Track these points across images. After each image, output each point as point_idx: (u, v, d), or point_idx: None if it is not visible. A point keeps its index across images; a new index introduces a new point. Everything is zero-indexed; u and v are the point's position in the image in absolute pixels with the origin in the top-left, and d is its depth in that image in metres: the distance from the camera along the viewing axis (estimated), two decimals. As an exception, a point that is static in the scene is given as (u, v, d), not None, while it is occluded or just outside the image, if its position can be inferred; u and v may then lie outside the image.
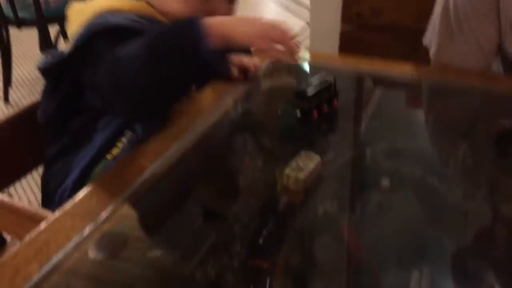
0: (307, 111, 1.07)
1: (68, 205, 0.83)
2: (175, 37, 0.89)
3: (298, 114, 1.08)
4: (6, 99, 3.35)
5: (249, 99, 1.28)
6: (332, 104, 1.12)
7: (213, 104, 1.17)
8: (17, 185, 2.33)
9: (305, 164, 0.89)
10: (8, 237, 1.16)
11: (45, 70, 1.07)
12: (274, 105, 1.26)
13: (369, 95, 1.35)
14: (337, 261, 0.81)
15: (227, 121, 1.17)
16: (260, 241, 0.79)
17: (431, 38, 1.46)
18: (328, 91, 1.10)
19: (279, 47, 0.93)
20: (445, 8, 1.37)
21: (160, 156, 0.92)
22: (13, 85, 3.47)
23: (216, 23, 0.89)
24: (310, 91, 1.06)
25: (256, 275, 0.74)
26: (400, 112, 1.29)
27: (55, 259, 0.73)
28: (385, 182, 0.93)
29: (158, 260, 0.78)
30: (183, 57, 0.88)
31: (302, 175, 0.87)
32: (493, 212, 0.92)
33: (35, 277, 0.70)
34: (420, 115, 1.33)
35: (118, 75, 0.88)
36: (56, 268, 0.72)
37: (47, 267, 0.71)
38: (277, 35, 0.92)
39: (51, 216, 0.80)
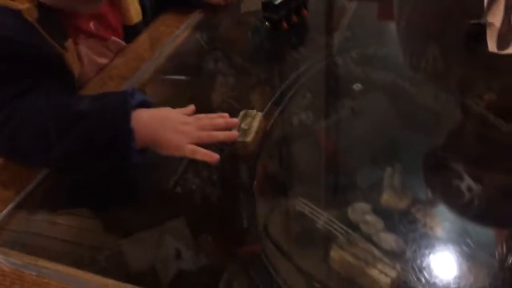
0: (276, 22, 1.06)
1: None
2: (99, 135, 0.75)
3: (268, 26, 1.06)
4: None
5: (220, 24, 1.25)
6: (301, 13, 1.10)
7: (181, 26, 1.14)
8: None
9: (248, 125, 0.83)
10: None
11: None
12: (246, 27, 1.23)
13: (339, 5, 1.33)
14: (315, 165, 0.84)
15: (196, 44, 1.15)
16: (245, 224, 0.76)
17: None
18: (296, 1, 1.07)
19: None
20: None
21: (126, 80, 0.91)
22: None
23: (143, 128, 0.75)
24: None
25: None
26: (370, 20, 1.28)
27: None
28: (357, 87, 0.94)
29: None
30: (104, 156, 0.76)
31: (249, 138, 0.82)
32: (463, 110, 0.95)
33: None
34: (391, 23, 1.32)
35: (18, 144, 0.78)
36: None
37: None
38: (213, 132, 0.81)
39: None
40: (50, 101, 0.79)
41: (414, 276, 0.67)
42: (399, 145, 0.85)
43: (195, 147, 0.77)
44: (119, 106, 0.75)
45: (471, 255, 0.69)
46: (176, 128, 0.78)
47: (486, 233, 0.73)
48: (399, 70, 1.04)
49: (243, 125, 0.82)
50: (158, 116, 0.80)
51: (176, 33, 1.08)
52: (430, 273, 0.67)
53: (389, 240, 0.71)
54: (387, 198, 0.77)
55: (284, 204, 0.79)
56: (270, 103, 0.95)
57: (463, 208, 0.75)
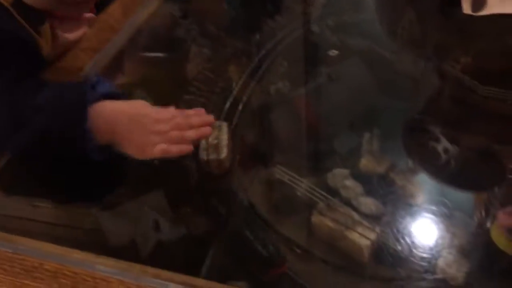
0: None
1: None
2: (58, 129, 0.69)
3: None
4: None
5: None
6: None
7: None
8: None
9: (218, 139, 0.76)
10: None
11: None
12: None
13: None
14: (293, 133, 0.83)
15: (168, 14, 1.12)
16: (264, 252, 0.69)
17: None
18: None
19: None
20: None
21: (97, 52, 0.88)
22: None
23: (105, 124, 0.68)
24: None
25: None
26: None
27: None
28: (333, 53, 0.93)
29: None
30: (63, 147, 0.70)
31: (223, 154, 0.75)
32: (439, 74, 0.95)
33: None
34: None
35: None
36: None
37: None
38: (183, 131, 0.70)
39: None
40: (11, 90, 0.75)
41: (393, 237, 0.67)
42: (376, 111, 0.85)
43: (166, 147, 0.68)
44: (76, 103, 0.68)
45: (448, 216, 0.70)
46: (147, 127, 0.68)
47: (463, 194, 0.75)
48: (375, 37, 1.03)
49: (211, 139, 0.74)
50: (125, 111, 0.70)
51: (146, 2, 1.04)
52: (408, 234, 0.68)
53: (368, 203, 0.72)
54: (365, 163, 0.78)
55: (264, 173, 0.79)
56: (246, 73, 0.93)
57: (440, 170, 0.76)
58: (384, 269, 0.66)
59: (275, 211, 0.75)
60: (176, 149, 0.68)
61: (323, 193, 0.73)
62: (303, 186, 0.75)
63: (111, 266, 0.52)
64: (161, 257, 0.58)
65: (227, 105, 0.89)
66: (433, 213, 0.71)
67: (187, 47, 1.00)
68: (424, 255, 0.65)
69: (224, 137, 0.75)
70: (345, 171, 0.76)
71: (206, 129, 0.71)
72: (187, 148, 0.69)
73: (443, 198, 0.73)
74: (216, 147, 0.74)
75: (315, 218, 0.70)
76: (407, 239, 0.68)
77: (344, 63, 0.95)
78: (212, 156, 0.74)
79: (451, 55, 0.98)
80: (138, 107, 0.71)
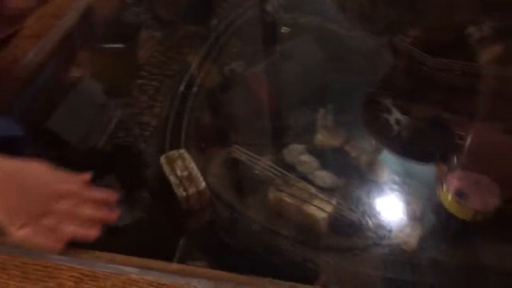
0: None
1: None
2: None
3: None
4: None
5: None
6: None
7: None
8: None
9: (187, 169, 0.69)
10: None
11: None
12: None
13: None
14: (249, 112, 0.83)
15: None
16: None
17: None
18: None
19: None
20: None
21: (40, 39, 0.84)
22: None
23: None
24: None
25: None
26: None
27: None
28: (285, 30, 0.93)
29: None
30: None
31: (203, 184, 0.69)
32: (390, 47, 0.97)
33: None
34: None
35: None
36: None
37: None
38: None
39: None
40: None
41: (349, 209, 0.69)
42: (330, 86, 0.86)
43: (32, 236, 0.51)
44: None
45: (401, 184, 0.72)
46: (37, 197, 0.53)
47: (415, 162, 0.77)
48: (327, 14, 1.03)
49: (180, 172, 0.68)
50: (12, 172, 0.53)
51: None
52: (363, 204, 0.70)
53: (324, 177, 0.73)
54: (321, 137, 0.79)
55: (221, 153, 0.79)
56: (200, 55, 0.92)
57: (393, 140, 0.78)
58: (341, 239, 0.67)
59: (234, 190, 0.75)
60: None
61: (280, 169, 0.73)
62: (260, 164, 0.75)
63: (63, 254, 0.51)
64: (117, 241, 0.57)
65: (181, 87, 0.88)
66: (387, 182, 0.73)
67: (138, 32, 0.98)
68: (379, 223, 0.67)
69: (192, 165, 0.70)
70: (301, 147, 0.76)
71: (114, 214, 0.56)
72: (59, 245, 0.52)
73: (396, 167, 0.75)
74: (191, 178, 0.68)
75: (272, 194, 0.70)
76: (363, 209, 0.69)
77: (297, 40, 0.95)
78: (192, 190, 0.67)
79: (401, 30, 1.00)
80: (33, 171, 0.54)
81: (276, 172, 0.73)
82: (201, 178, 0.69)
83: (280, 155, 0.76)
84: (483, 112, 0.77)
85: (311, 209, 0.67)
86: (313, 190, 0.70)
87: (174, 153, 0.72)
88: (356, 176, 0.74)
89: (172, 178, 0.68)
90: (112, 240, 0.56)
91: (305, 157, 0.75)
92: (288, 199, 0.69)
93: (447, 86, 0.86)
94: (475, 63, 0.88)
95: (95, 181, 0.57)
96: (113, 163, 0.74)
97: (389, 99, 0.83)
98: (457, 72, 0.87)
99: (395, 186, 0.72)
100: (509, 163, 0.69)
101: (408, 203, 0.69)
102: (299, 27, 0.98)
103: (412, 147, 0.76)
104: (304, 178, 0.72)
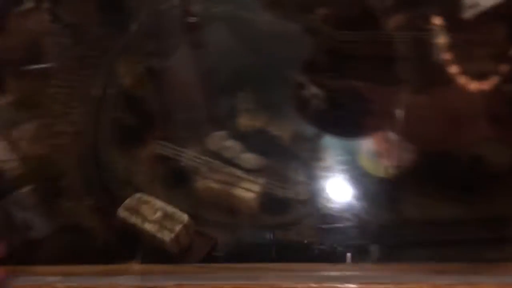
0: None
1: None
2: None
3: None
4: None
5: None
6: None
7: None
8: None
9: (159, 210, 0.63)
10: None
11: None
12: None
13: None
14: (168, 106, 0.82)
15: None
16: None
17: None
18: None
19: None
20: None
21: None
22: None
23: None
24: None
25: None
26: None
27: None
28: (195, 21, 0.93)
29: None
30: None
31: (185, 218, 0.63)
32: (301, 27, 0.99)
33: None
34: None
35: None
36: None
37: None
38: None
39: None
40: None
41: (277, 186, 0.70)
42: (247, 71, 0.87)
43: None
44: None
45: (325, 156, 0.74)
46: None
47: (336, 133, 0.79)
48: (239, 1, 1.04)
49: (155, 217, 0.62)
50: None
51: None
52: (291, 181, 0.71)
53: (249, 159, 0.73)
54: (243, 121, 0.79)
55: (145, 151, 0.77)
56: (111, 55, 0.90)
57: (312, 114, 0.79)
58: (272, 217, 0.68)
59: (161, 186, 0.73)
60: None
61: (205, 158, 0.73)
62: (185, 155, 0.74)
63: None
64: (35, 253, 0.54)
65: (97, 91, 0.85)
66: (311, 156, 0.74)
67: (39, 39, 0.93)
68: (305, 197, 0.68)
69: (160, 203, 0.64)
70: (223, 133, 0.76)
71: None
72: None
73: (319, 140, 0.76)
74: (169, 217, 0.62)
75: (200, 184, 0.70)
76: (290, 185, 0.70)
77: (210, 29, 0.95)
78: (178, 227, 0.61)
79: (311, 10, 1.02)
80: None
81: (201, 161, 0.73)
82: (179, 212, 0.63)
83: (204, 144, 0.76)
84: (392, 77, 0.81)
85: (239, 192, 0.68)
86: (239, 173, 0.71)
87: (131, 201, 0.64)
88: (281, 154, 0.75)
89: (149, 227, 0.61)
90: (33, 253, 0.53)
91: (229, 143, 0.75)
92: (215, 185, 0.69)
93: (358, 57, 0.89)
94: (381, 32, 0.92)
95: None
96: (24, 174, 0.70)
97: (305, 76, 0.85)
98: (366, 42, 0.90)
99: (319, 158, 0.74)
100: (419, 121, 0.73)
101: (332, 173, 0.71)
102: (211, 17, 0.98)
103: (331, 118, 0.78)
104: (230, 162, 0.73)
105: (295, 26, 1.00)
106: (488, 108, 0.78)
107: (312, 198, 0.68)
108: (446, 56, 0.81)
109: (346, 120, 0.77)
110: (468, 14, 0.80)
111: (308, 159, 0.74)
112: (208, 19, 0.97)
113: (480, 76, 0.78)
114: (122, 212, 0.63)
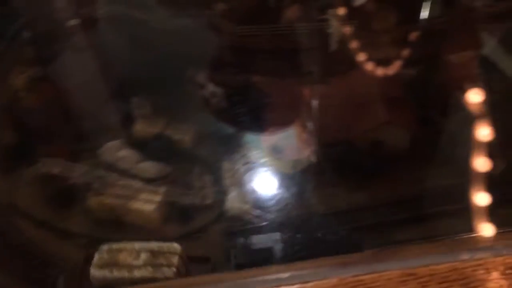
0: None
1: None
2: None
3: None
4: None
5: None
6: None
7: None
8: None
9: (147, 251, 0.55)
10: None
11: None
12: None
13: None
14: (54, 119, 0.74)
15: None
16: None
17: None
18: None
19: None
20: None
21: None
22: None
23: None
24: None
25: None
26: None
27: None
28: (73, 22, 0.85)
29: None
30: None
31: (177, 247, 0.56)
32: (199, 24, 0.95)
33: None
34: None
35: None
36: None
37: None
38: None
39: None
40: None
41: (180, 193, 0.65)
42: (141, 73, 0.81)
43: None
44: None
45: (230, 155, 0.70)
46: None
47: (238, 130, 0.75)
48: (128, 2, 0.98)
49: (139, 260, 0.54)
50: None
51: None
52: (196, 186, 0.67)
53: (148, 168, 0.68)
54: (139, 128, 0.73)
55: (29, 171, 0.69)
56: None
57: (213, 113, 0.76)
58: (178, 227, 0.63)
59: (50, 208, 0.66)
60: None
61: (98, 172, 0.66)
62: (76, 171, 0.67)
63: None
64: None
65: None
66: (215, 156, 0.70)
67: None
68: (211, 201, 0.64)
69: (136, 244, 0.55)
70: (118, 142, 0.70)
71: None
72: None
73: (221, 139, 0.73)
74: (158, 253, 0.55)
75: (93, 201, 0.63)
76: (195, 191, 0.66)
77: (99, 31, 0.88)
78: (175, 258, 0.54)
79: (207, 5, 0.98)
80: None
81: (94, 176, 0.66)
82: (163, 243, 0.55)
83: (98, 157, 0.69)
84: (294, 69, 0.79)
85: (138, 205, 0.62)
86: (138, 184, 0.65)
87: (101, 256, 0.53)
88: (183, 159, 0.70)
89: (140, 273, 0.52)
90: None
91: (124, 152, 0.69)
92: (110, 201, 0.63)
93: (259, 51, 0.87)
94: (280, 25, 0.90)
95: None
96: None
97: (205, 74, 0.81)
98: (266, 36, 0.88)
99: (223, 159, 0.70)
100: (323, 112, 0.72)
101: (238, 172, 0.68)
102: (99, 18, 0.91)
103: (232, 116, 0.75)
104: (127, 174, 0.67)
105: (192, 23, 0.96)
106: (388, 93, 0.79)
107: (219, 202, 0.65)
108: (351, 44, 0.81)
109: (248, 116, 0.74)
110: (357, 2, 0.80)
111: (212, 161, 0.70)
112: (96, 20, 0.90)
113: (384, 62, 0.80)
114: (97, 272, 0.53)
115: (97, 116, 0.74)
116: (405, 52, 0.81)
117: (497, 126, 0.59)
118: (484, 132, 0.58)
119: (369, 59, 0.81)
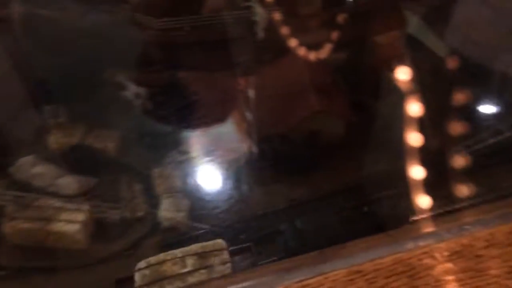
0: None
1: None
2: None
3: None
4: None
5: None
6: None
7: None
8: None
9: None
10: None
11: None
12: None
13: None
14: None
15: None
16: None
17: None
18: None
19: None
20: None
21: None
22: None
23: None
24: None
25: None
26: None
27: None
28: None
29: None
30: None
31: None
32: (112, 19, 0.88)
33: None
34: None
35: None
36: None
37: None
38: None
39: None
40: None
41: (108, 208, 0.59)
42: (52, 78, 0.73)
43: None
44: None
45: (158, 163, 0.66)
46: None
47: (168, 131, 0.71)
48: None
49: (210, 261, 0.51)
50: None
51: None
52: (124, 198, 0.61)
53: (69, 183, 0.61)
54: (54, 139, 0.66)
55: None
56: None
57: (138, 116, 0.70)
58: (108, 245, 0.58)
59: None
60: None
61: (11, 192, 0.59)
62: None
63: None
64: None
65: None
66: (141, 166, 0.65)
67: None
68: (142, 213, 0.59)
69: (176, 251, 0.51)
70: (31, 158, 0.63)
71: None
72: None
73: (149, 142, 0.68)
74: (205, 253, 0.51)
75: (7, 227, 0.56)
76: (124, 203, 0.61)
77: (3, 35, 0.79)
78: (225, 254, 0.50)
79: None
80: None
81: (6, 198, 0.59)
82: (205, 243, 0.50)
83: (9, 176, 0.62)
84: (218, 61, 0.75)
85: (59, 226, 0.56)
86: (58, 203, 0.58)
87: (143, 274, 0.49)
88: (108, 169, 0.65)
89: (195, 278, 0.49)
90: None
91: (40, 168, 0.62)
92: (27, 225, 0.56)
93: (180, 45, 0.82)
94: (201, 15, 0.85)
95: None
96: None
97: (123, 75, 0.75)
98: (187, 28, 0.84)
99: (153, 164, 0.65)
100: (252, 104, 0.69)
101: (169, 178, 0.63)
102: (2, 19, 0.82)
103: (159, 117, 0.70)
104: (44, 192, 0.60)
105: (106, 19, 0.89)
106: (319, 79, 0.77)
107: (151, 213, 0.60)
108: (278, 31, 0.78)
109: (176, 116, 0.69)
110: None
111: (140, 168, 0.65)
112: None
113: (313, 46, 0.78)
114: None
115: (6, 129, 0.66)
116: (333, 36, 0.79)
117: (428, 104, 0.59)
118: (415, 111, 0.58)
119: (298, 45, 0.79)
